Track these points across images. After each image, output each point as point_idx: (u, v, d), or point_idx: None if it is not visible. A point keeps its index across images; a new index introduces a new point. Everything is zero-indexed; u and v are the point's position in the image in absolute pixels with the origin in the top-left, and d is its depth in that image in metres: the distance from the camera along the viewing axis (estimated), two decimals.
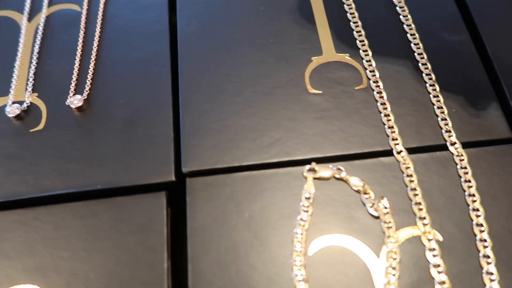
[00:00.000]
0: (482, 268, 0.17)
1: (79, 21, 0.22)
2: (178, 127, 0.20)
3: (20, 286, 0.17)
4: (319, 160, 0.19)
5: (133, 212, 0.18)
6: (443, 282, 0.16)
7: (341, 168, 0.18)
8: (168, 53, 0.22)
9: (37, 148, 0.19)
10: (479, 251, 0.17)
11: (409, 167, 0.18)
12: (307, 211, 0.18)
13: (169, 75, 0.21)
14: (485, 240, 0.17)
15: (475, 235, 0.17)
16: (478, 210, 0.17)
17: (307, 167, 0.18)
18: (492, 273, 0.16)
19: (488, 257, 0.17)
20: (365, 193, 0.18)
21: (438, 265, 0.17)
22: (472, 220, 0.17)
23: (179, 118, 0.20)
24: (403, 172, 0.18)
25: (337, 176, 0.18)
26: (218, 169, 0.19)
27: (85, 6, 0.23)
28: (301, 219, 0.18)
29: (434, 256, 0.17)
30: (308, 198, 0.18)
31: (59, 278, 0.17)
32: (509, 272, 0.16)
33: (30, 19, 0.23)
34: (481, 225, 0.17)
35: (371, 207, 0.18)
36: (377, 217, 0.18)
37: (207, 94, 0.20)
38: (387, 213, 0.17)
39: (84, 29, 0.22)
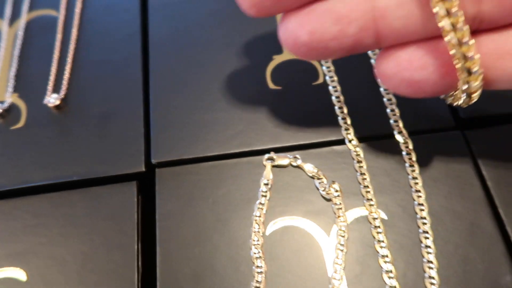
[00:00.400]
0: (421, 242, 0.18)
1: (56, 26, 0.24)
2: (148, 122, 0.21)
3: (3, 269, 0.18)
4: (278, 150, 0.20)
5: (107, 200, 0.20)
6: (386, 256, 0.18)
7: (297, 156, 0.20)
8: (140, 54, 0.23)
9: (17, 144, 0.21)
10: (419, 228, 0.19)
11: (359, 154, 0.20)
12: (265, 196, 0.19)
13: (141, 75, 0.22)
14: (424, 218, 0.19)
15: (416, 214, 0.19)
16: (419, 191, 0.19)
17: (266, 156, 0.20)
18: (429, 247, 0.18)
19: (427, 232, 0.18)
20: (318, 179, 0.20)
21: (382, 241, 0.18)
22: (414, 201, 0.19)
23: (149, 114, 0.21)
24: (353, 159, 0.20)
25: (294, 163, 0.20)
26: (185, 160, 0.20)
27: (62, 12, 0.24)
28: (260, 203, 0.19)
29: (378, 233, 0.18)
30: (266, 184, 0.20)
31: (38, 261, 0.19)
32: (444, 246, 0.18)
33: (10, 24, 0.24)
34: (422, 204, 0.19)
35: (323, 191, 0.19)
36: (329, 200, 0.19)
37: (176, 92, 0.22)
38: (338, 196, 0.19)
39: (61, 33, 0.24)
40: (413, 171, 0.20)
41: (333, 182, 0.20)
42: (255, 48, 0.23)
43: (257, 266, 0.18)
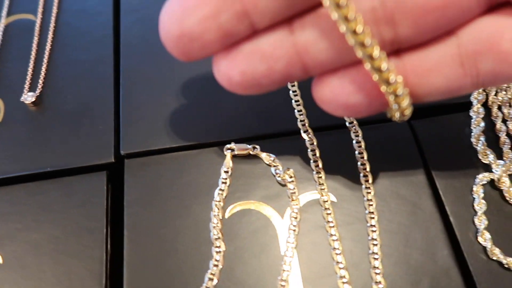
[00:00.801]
0: (367, 222, 0.20)
1: (34, 29, 0.25)
2: (119, 117, 0.23)
3: None
4: (238, 140, 0.22)
5: (79, 189, 0.21)
6: (334, 235, 0.20)
7: (256, 146, 0.22)
8: (112, 54, 0.25)
9: None
10: (366, 209, 0.20)
11: (313, 143, 0.22)
12: (225, 183, 0.21)
13: (112, 73, 0.24)
14: (371, 200, 0.20)
15: (364, 197, 0.21)
16: (367, 176, 0.21)
17: (227, 146, 0.22)
18: (374, 226, 0.20)
19: (373, 213, 0.20)
20: (274, 166, 0.21)
21: (331, 222, 0.20)
22: (362, 185, 0.21)
23: (120, 109, 0.23)
24: (308, 148, 0.22)
25: (252, 152, 0.22)
26: (151, 151, 0.22)
27: (39, 16, 0.26)
28: (220, 189, 0.21)
29: (328, 214, 0.20)
30: (226, 172, 0.21)
31: (14, 245, 0.20)
32: (388, 225, 0.20)
33: None
34: (369, 188, 0.21)
35: (279, 177, 0.21)
36: (284, 185, 0.21)
37: (144, 88, 0.24)
38: (292, 181, 0.21)
39: (38, 35, 0.25)
40: (362, 157, 0.21)
41: (288, 169, 0.21)
42: None
43: (216, 246, 0.20)
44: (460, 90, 0.16)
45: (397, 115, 0.16)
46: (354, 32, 0.14)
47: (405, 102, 0.16)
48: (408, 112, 0.16)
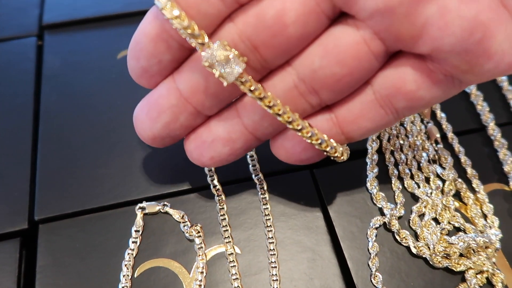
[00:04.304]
0: (269, 272, 0.21)
1: None
2: (34, 183, 0.24)
3: None
4: (150, 199, 0.23)
5: None
6: (238, 287, 0.21)
7: (166, 203, 0.23)
8: (31, 120, 0.26)
9: None
10: (268, 259, 0.21)
11: (221, 198, 0.23)
12: (135, 242, 0.22)
13: (30, 140, 0.25)
14: (273, 250, 0.21)
15: (267, 247, 0.22)
16: (270, 226, 0.22)
17: (138, 205, 0.23)
18: (276, 275, 0.21)
19: (275, 263, 0.21)
20: (183, 222, 0.22)
21: (235, 274, 0.21)
22: (265, 235, 0.22)
23: (36, 175, 0.24)
24: (216, 202, 0.23)
25: (162, 210, 0.23)
26: (65, 215, 0.23)
27: None
28: (130, 249, 0.22)
29: (232, 267, 0.21)
30: (137, 231, 0.22)
31: None
32: (288, 273, 0.21)
33: None
34: (272, 238, 0.22)
35: (187, 233, 0.22)
36: (192, 240, 0.22)
37: (62, 153, 0.24)
38: (199, 236, 0.22)
39: None
40: (266, 209, 0.23)
41: (195, 224, 0.22)
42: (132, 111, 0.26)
43: None
44: (387, 125, 0.19)
45: (336, 155, 0.19)
46: (270, 107, 0.18)
47: (339, 153, 0.19)
48: (344, 157, 0.20)
